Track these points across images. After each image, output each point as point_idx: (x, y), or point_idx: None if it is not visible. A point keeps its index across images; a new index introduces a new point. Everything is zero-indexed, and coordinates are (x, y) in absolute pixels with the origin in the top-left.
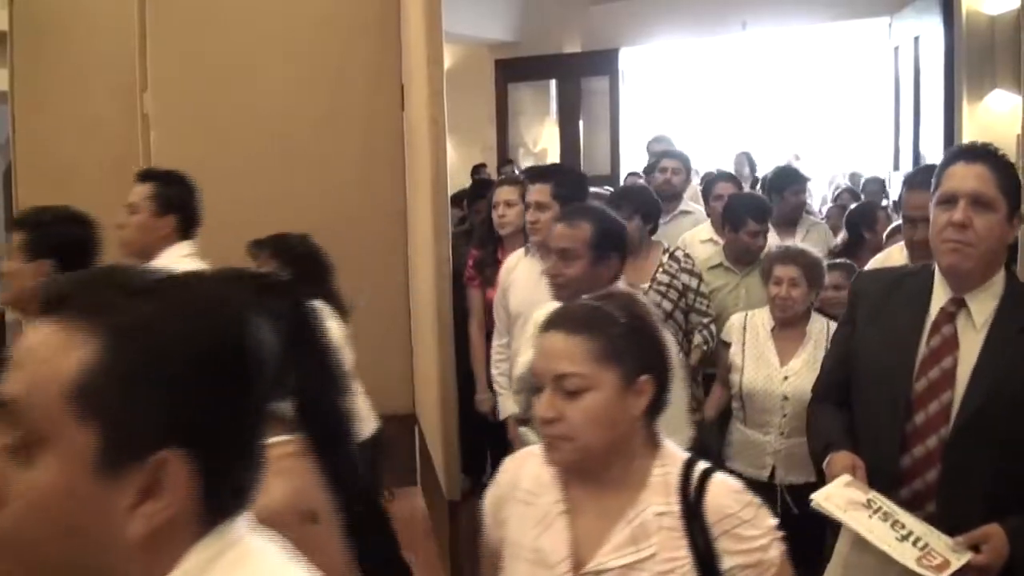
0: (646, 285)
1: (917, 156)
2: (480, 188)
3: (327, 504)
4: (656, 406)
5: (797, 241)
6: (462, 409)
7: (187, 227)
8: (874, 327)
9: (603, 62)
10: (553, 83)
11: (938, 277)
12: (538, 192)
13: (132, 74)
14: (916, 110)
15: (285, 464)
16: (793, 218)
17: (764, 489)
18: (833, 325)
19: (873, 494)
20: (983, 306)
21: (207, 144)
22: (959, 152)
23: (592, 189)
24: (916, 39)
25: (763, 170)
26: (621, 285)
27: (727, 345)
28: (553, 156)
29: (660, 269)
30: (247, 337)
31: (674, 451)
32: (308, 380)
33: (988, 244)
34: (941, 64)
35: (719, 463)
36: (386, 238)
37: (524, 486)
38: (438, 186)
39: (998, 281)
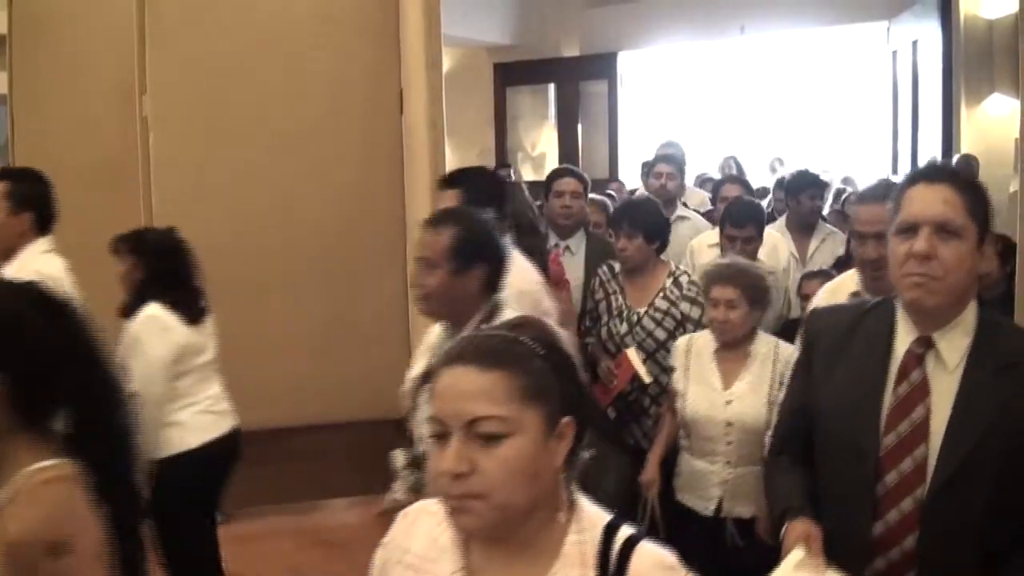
0: (642, 309)
1: (915, 160)
2: None
3: (90, 534)
4: (574, 455)
5: (811, 249)
6: None
7: (43, 224)
8: (833, 374)
9: (602, 66)
10: (551, 87)
11: (901, 314)
12: (448, 198)
13: (131, 76)
14: (914, 114)
15: (41, 491)
16: (809, 223)
17: (710, 524)
18: (783, 346)
19: (831, 574)
20: (954, 345)
21: (206, 146)
22: (919, 173)
23: (592, 196)
24: (914, 43)
25: (756, 173)
26: (507, 300)
27: (673, 370)
28: (551, 159)
29: (661, 294)
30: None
31: (593, 512)
32: (80, 394)
33: (956, 276)
34: (939, 68)
35: (668, 496)
36: (385, 241)
37: (416, 549)
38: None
39: (969, 316)
